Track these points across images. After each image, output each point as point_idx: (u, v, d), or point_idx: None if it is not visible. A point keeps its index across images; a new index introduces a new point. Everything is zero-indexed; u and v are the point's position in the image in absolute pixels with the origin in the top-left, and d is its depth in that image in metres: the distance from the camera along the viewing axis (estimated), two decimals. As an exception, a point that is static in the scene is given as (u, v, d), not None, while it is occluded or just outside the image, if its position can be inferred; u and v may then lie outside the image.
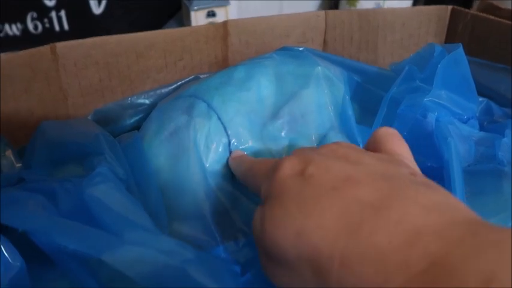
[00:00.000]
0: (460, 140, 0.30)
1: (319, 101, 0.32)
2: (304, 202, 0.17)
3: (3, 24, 0.52)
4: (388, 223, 0.15)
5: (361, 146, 0.30)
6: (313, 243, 0.16)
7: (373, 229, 0.15)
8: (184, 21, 0.56)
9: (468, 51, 0.43)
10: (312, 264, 0.16)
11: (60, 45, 0.33)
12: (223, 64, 0.42)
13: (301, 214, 0.17)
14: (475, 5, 0.56)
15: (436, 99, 0.31)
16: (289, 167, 0.19)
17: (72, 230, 0.17)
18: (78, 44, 0.33)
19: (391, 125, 0.31)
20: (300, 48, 0.38)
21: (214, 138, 0.28)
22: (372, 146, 0.23)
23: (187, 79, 0.39)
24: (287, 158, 0.20)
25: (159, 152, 0.29)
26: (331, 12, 0.44)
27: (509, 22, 0.39)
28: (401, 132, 0.30)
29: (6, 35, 0.52)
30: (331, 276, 0.15)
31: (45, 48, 0.32)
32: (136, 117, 0.37)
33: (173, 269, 0.16)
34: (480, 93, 0.37)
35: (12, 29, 0.52)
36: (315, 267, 0.16)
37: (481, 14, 0.42)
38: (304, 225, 0.16)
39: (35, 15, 0.52)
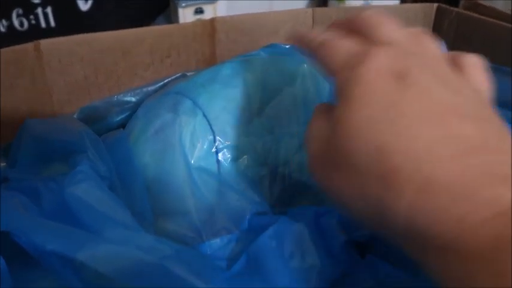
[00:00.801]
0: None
1: (304, 99, 0.32)
2: (397, 116, 0.15)
3: (-12, 20, 0.51)
4: (483, 164, 0.14)
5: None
6: (394, 165, 0.15)
7: (467, 166, 0.14)
8: (172, 18, 0.56)
9: (453, 49, 0.43)
10: (384, 180, 0.15)
11: (45, 42, 0.32)
12: (210, 61, 0.42)
13: (390, 129, 0.15)
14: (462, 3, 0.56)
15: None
16: (382, 63, 0.16)
17: (51, 229, 0.17)
18: (63, 41, 0.33)
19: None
20: (287, 46, 0.38)
21: (199, 135, 0.29)
22: (456, 62, 0.20)
23: (174, 76, 0.39)
24: (378, 48, 0.17)
25: (144, 150, 0.29)
26: (319, 9, 0.45)
27: (494, 20, 0.40)
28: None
29: (-8, 31, 0.52)
30: (403, 198, 0.14)
31: (29, 45, 0.32)
32: (123, 115, 0.37)
33: (152, 265, 0.16)
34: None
35: (-2, 25, 0.52)
36: (387, 184, 0.15)
37: (465, 11, 0.42)
38: (390, 143, 0.15)
39: (20, 11, 0.52)
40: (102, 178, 0.23)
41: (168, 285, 0.16)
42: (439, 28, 0.46)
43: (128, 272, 0.15)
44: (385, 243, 0.26)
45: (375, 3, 0.63)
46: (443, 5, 0.45)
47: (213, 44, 0.42)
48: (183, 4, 0.51)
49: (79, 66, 0.35)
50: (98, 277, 0.19)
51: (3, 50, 0.31)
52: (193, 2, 0.51)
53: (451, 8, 0.44)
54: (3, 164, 0.30)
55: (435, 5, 0.45)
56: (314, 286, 0.20)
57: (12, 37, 0.52)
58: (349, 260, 0.23)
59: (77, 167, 0.21)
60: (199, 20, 0.40)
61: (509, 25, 0.38)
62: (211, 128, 0.29)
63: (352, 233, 0.23)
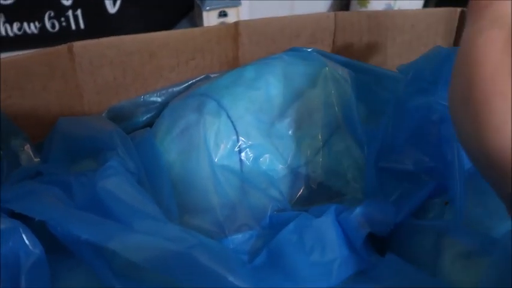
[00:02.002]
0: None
1: (326, 101, 0.32)
2: None
3: (22, 23, 0.54)
4: None
5: (365, 146, 0.31)
6: None
7: None
8: (197, 20, 0.57)
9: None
10: None
11: (77, 45, 0.34)
12: (233, 64, 0.43)
13: None
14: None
15: (441, 101, 0.32)
16: None
17: (84, 220, 0.18)
18: (94, 44, 0.35)
19: (396, 126, 0.31)
20: (309, 49, 0.38)
21: (223, 135, 0.29)
22: None
23: (198, 78, 0.40)
24: None
25: (170, 148, 0.30)
26: (340, 13, 0.45)
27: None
28: (405, 133, 0.31)
29: (25, 33, 0.54)
30: None
31: (62, 47, 0.33)
32: (149, 115, 0.38)
33: (179, 254, 0.17)
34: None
35: (31, 28, 0.54)
36: None
37: (490, 16, 0.42)
38: None
39: (52, 14, 0.54)
40: (131, 174, 0.24)
41: (194, 273, 0.16)
42: (462, 33, 0.45)
43: (156, 261, 0.16)
44: (405, 240, 0.27)
45: (397, 6, 0.63)
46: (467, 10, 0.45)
47: (236, 47, 0.43)
48: (207, 7, 0.52)
49: (108, 68, 0.36)
50: (128, 266, 0.20)
51: (37, 51, 0.32)
52: (217, 5, 0.52)
53: (475, 12, 0.44)
54: (37, 160, 0.31)
55: (459, 9, 0.45)
56: (334, 280, 0.21)
57: (44, 39, 0.54)
58: (369, 255, 0.23)
59: (107, 162, 0.22)
60: (223, 24, 0.41)
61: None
62: (234, 128, 0.30)
63: (373, 228, 0.23)
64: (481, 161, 0.17)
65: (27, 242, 0.18)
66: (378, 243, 0.27)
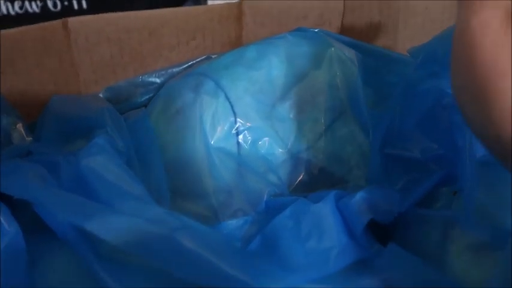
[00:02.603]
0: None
1: (330, 83, 0.31)
2: None
3: (23, 1, 0.53)
4: None
5: (370, 131, 0.30)
6: None
7: None
8: (201, 1, 0.55)
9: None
10: None
11: (72, 20, 0.33)
12: (236, 45, 0.41)
13: None
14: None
15: (454, 85, 0.30)
16: None
17: (63, 199, 0.17)
18: (90, 19, 0.33)
19: (404, 111, 0.29)
20: (315, 30, 0.37)
21: (221, 116, 0.28)
22: None
23: (199, 59, 0.38)
24: None
25: (165, 129, 0.29)
26: (350, -6, 0.43)
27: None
28: (413, 118, 0.29)
29: (26, 12, 0.53)
30: None
31: (57, 23, 0.32)
32: (147, 96, 0.37)
33: (161, 237, 0.15)
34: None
35: (32, 7, 0.53)
36: None
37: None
38: None
39: (54, -8, 0.53)
40: (119, 153, 0.22)
41: (177, 257, 0.15)
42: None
43: (136, 244, 0.15)
44: (410, 230, 0.25)
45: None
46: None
47: (239, 28, 0.41)
48: (212, -13, 0.50)
49: (106, 45, 0.35)
50: (114, 250, 0.19)
51: (30, 27, 0.31)
52: (222, -15, 0.51)
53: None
54: (29, 139, 0.30)
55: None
56: (332, 268, 0.20)
57: (46, 18, 0.53)
58: (370, 245, 0.22)
59: (93, 140, 0.21)
60: (226, 3, 0.40)
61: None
62: (232, 109, 0.29)
63: (375, 215, 0.22)
64: (493, 144, 0.16)
65: (2, 220, 0.17)
66: (381, 233, 0.26)
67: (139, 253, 0.16)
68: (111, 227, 0.16)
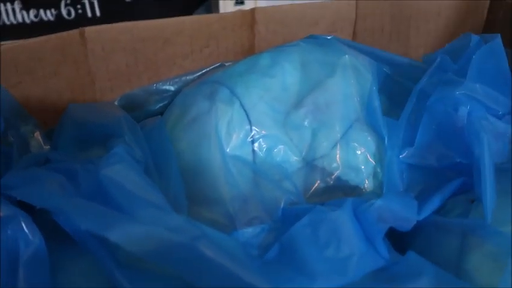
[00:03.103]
0: (494, 136, 0.28)
1: (345, 91, 0.31)
2: None
3: (38, 10, 0.53)
4: None
5: (386, 139, 0.29)
6: None
7: None
8: (213, 8, 0.56)
9: (508, 43, 0.40)
10: None
11: (89, 30, 0.33)
12: (249, 52, 0.41)
13: None
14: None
15: (469, 93, 0.30)
16: None
17: (84, 209, 0.17)
18: (106, 29, 0.34)
19: (419, 118, 0.29)
20: (328, 37, 0.37)
21: (236, 124, 0.28)
22: None
23: (212, 67, 0.39)
24: None
25: (181, 137, 0.29)
26: (362, 1, 0.43)
27: (554, 13, 0.37)
28: (429, 126, 0.29)
29: (41, 20, 0.54)
30: None
31: (74, 33, 0.33)
32: (161, 104, 0.37)
33: (182, 246, 0.16)
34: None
35: (47, 15, 0.54)
36: None
37: (523, 4, 0.39)
38: None
39: (68, 1, 0.53)
40: (138, 162, 0.23)
41: (198, 266, 0.15)
42: (492, 21, 0.43)
43: (157, 252, 0.15)
44: (428, 239, 0.25)
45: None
46: (498, -3, 0.42)
47: (252, 35, 0.41)
48: (224, -5, 0.51)
49: (121, 54, 0.35)
50: (131, 257, 0.19)
51: (48, 36, 0.31)
52: (234, -7, 0.51)
53: (507, 0, 0.41)
54: (46, 147, 0.31)
55: (489, -4, 0.43)
56: (351, 276, 0.20)
57: (60, 26, 0.54)
58: (388, 253, 0.22)
59: (112, 149, 0.21)
60: (239, 11, 0.40)
61: None
62: (248, 117, 0.29)
63: (394, 223, 0.22)
64: None
65: (26, 230, 0.18)
66: (398, 241, 0.26)
67: (160, 261, 0.16)
68: (131, 236, 0.16)
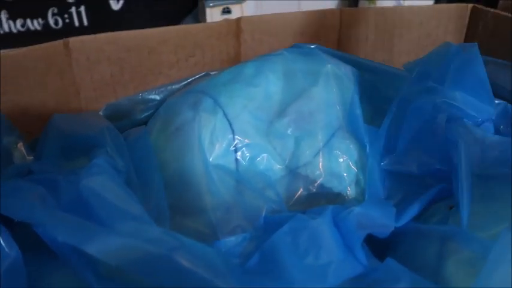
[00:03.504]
0: (472, 143, 0.29)
1: (327, 100, 0.31)
2: None
3: (25, 19, 0.54)
4: None
5: (367, 146, 0.30)
6: None
7: None
8: (200, 17, 0.56)
9: (488, 52, 0.41)
10: None
11: (74, 40, 0.33)
12: (235, 61, 0.42)
13: None
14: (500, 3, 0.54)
15: (448, 100, 0.30)
16: None
17: (63, 221, 0.18)
18: (91, 39, 0.34)
19: (400, 126, 0.30)
20: (312, 46, 0.37)
21: (219, 133, 0.28)
22: None
23: (198, 75, 0.39)
24: None
25: (165, 147, 0.29)
26: (346, 10, 0.44)
27: (532, 22, 0.38)
28: (409, 133, 0.29)
29: (28, 29, 0.54)
30: None
31: (58, 43, 0.33)
32: (147, 113, 0.37)
33: (159, 257, 0.16)
34: (500, 96, 0.35)
35: (34, 24, 0.54)
36: None
37: (502, 12, 0.40)
38: None
39: (55, 10, 0.54)
40: (119, 173, 0.23)
41: (176, 276, 0.16)
42: (473, 30, 0.44)
43: (134, 264, 0.16)
44: (407, 245, 0.25)
45: (407, 3, 0.61)
46: (478, 6, 0.43)
47: (238, 44, 0.42)
48: (211, 4, 0.51)
49: (106, 64, 0.35)
50: (111, 270, 0.19)
51: (32, 47, 0.32)
52: (220, 2, 0.52)
53: (486, 9, 0.42)
54: (30, 158, 0.31)
55: (469, 5, 0.44)
56: (329, 284, 0.20)
57: (47, 35, 0.54)
58: (367, 260, 0.22)
59: (93, 160, 0.21)
60: (224, 20, 0.40)
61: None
62: (231, 126, 0.29)
63: (372, 229, 0.22)
64: None
65: (3, 243, 0.18)
66: (378, 248, 0.26)
67: (138, 273, 0.16)
68: (108, 248, 0.16)
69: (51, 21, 0.54)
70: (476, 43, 0.31)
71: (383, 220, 0.23)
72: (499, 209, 0.24)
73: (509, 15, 0.40)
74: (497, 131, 0.33)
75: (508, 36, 0.40)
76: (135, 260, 0.16)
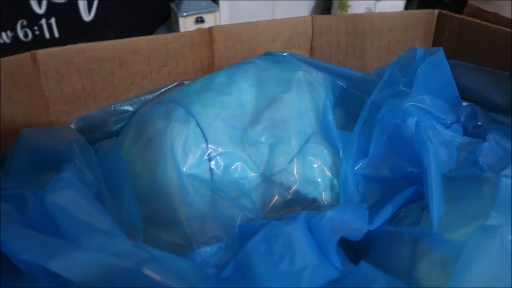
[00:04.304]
0: (441, 145, 0.29)
1: (300, 106, 0.32)
2: None
3: (-7, 33, 0.52)
4: None
5: (340, 151, 0.30)
6: None
7: None
8: (174, 27, 0.56)
9: (455, 55, 0.42)
10: None
11: (41, 52, 0.33)
12: (209, 70, 0.42)
13: None
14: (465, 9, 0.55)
15: (418, 104, 0.31)
16: None
17: (27, 238, 0.17)
18: (59, 51, 0.33)
19: (372, 130, 0.30)
20: (284, 54, 0.38)
21: (192, 143, 0.28)
22: None
23: (171, 85, 0.39)
24: None
25: (137, 158, 0.29)
26: (318, 17, 0.44)
27: (496, 26, 0.39)
28: (380, 137, 0.30)
29: (-3, 43, 0.53)
30: None
31: (25, 55, 0.32)
32: (120, 125, 0.37)
33: (127, 270, 0.15)
34: (467, 98, 0.36)
35: (3, 37, 0.53)
36: None
37: (467, 17, 0.42)
38: None
39: (25, 22, 0.53)
40: (88, 186, 0.22)
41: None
42: (440, 35, 0.45)
43: (102, 279, 0.15)
44: (382, 248, 0.26)
45: (378, 8, 0.63)
46: (444, 12, 0.44)
47: (211, 53, 0.42)
48: (184, 13, 0.51)
49: (76, 76, 0.35)
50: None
51: (0, 60, 0.31)
52: (193, 11, 0.52)
53: (452, 14, 0.43)
54: (-2, 174, 0.30)
55: (436, 11, 0.45)
56: (305, 288, 0.20)
57: (17, 48, 0.53)
58: (342, 264, 0.22)
59: (60, 175, 0.21)
60: (196, 30, 0.40)
61: (512, 30, 0.37)
62: (204, 135, 0.29)
63: (345, 233, 0.22)
64: None
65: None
66: (354, 252, 0.26)
67: (106, 288, 0.15)
68: (74, 264, 0.15)
69: (20, 34, 0.53)
70: (441, 47, 0.31)
71: (355, 223, 0.23)
72: (469, 209, 0.25)
73: (474, 20, 0.41)
74: (466, 132, 0.34)
75: (474, 40, 0.41)
76: (102, 275, 0.15)
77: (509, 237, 0.20)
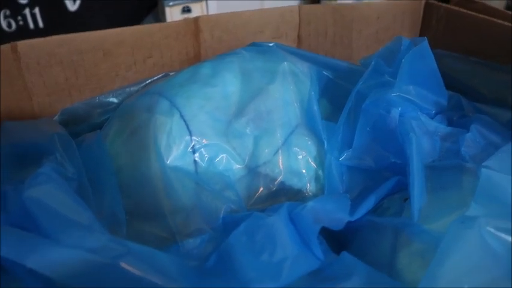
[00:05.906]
0: (425, 135, 0.29)
1: (284, 97, 0.31)
2: None
3: (-24, 23, 0.51)
4: None
5: (325, 142, 0.30)
6: None
7: None
8: (161, 17, 0.55)
9: (442, 44, 0.42)
10: None
11: (22, 44, 0.32)
12: (195, 61, 0.41)
13: None
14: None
15: (402, 94, 0.31)
16: None
17: (3, 235, 0.17)
18: (41, 42, 0.33)
19: (356, 121, 0.30)
20: (270, 44, 0.37)
21: (176, 135, 0.28)
22: None
23: (156, 77, 0.38)
24: None
25: (121, 151, 0.29)
26: (305, 6, 0.44)
27: (483, 16, 0.39)
28: (364, 128, 0.30)
29: (-21, 33, 0.52)
30: None
31: (5, 47, 0.32)
32: (105, 117, 0.37)
33: (104, 265, 0.15)
34: (453, 88, 0.36)
35: (-15, 28, 0.52)
36: None
37: (454, 7, 0.41)
38: None
39: (8, 12, 0.52)
40: (69, 180, 0.22)
41: (122, 283, 0.15)
42: (427, 24, 0.45)
43: (79, 275, 0.15)
44: (364, 238, 0.26)
45: (365, 0, 0.62)
46: (432, 1, 0.44)
47: (198, 44, 0.41)
48: (170, 3, 0.50)
49: (58, 67, 0.34)
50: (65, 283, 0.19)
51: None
52: (180, 0, 0.51)
53: (439, 4, 0.43)
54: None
55: (423, 1, 0.45)
56: (284, 280, 0.20)
57: (0, 39, 0.52)
58: (324, 254, 0.22)
59: (39, 169, 0.21)
60: (182, 20, 0.40)
61: (499, 21, 0.37)
62: (188, 128, 0.29)
63: (326, 223, 0.23)
64: None
65: None
66: (337, 242, 0.26)
67: (84, 284, 0.15)
68: (51, 261, 0.15)
69: (3, 24, 0.52)
70: (425, 37, 0.31)
71: (337, 213, 0.23)
72: (450, 199, 0.25)
73: (461, 9, 0.41)
74: (451, 122, 0.34)
75: (461, 29, 0.41)
76: (79, 270, 0.15)
77: (487, 227, 0.20)
